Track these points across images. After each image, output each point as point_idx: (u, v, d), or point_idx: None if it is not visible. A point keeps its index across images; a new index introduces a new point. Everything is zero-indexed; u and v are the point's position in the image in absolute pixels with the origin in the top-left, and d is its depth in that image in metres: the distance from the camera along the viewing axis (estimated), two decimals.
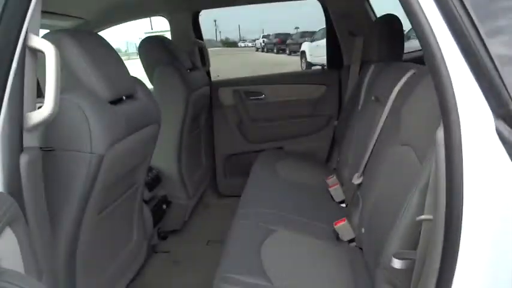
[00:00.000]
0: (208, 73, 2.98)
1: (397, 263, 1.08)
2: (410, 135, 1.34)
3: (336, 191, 2.14)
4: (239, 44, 33.19)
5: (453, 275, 0.84)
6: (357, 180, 1.79)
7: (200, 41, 2.98)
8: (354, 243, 1.70)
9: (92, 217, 1.37)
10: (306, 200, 2.07)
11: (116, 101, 1.44)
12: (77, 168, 1.23)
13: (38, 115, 1.02)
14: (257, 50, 26.24)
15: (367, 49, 2.56)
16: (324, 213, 1.94)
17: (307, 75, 3.02)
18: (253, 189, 2.10)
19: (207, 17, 3.17)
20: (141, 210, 1.89)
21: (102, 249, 1.54)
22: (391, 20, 2.10)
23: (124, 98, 1.54)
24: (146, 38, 2.46)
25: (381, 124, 1.71)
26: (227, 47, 31.10)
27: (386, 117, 1.67)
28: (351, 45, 2.71)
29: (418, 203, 1.11)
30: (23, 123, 1.01)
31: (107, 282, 1.57)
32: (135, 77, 1.66)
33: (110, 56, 1.50)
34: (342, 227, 1.70)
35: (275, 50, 22.29)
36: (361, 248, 1.62)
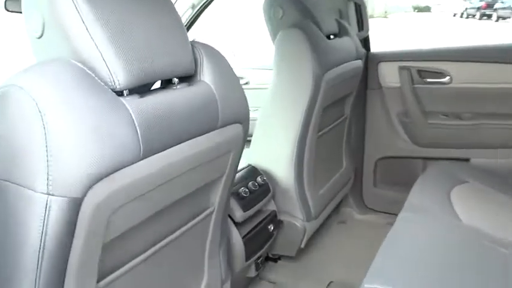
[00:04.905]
0: (366, 40, 2.14)
1: None
2: None
3: None
4: (432, 10, 29.96)
5: None
6: None
7: None
8: None
9: None
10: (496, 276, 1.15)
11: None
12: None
13: None
14: (454, 15, 23.54)
15: None
16: None
17: None
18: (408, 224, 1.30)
19: None
20: (218, 241, 1.28)
21: None
22: None
23: (177, 81, 0.91)
24: None
25: None
26: (418, 11, 28.24)
27: None
28: None
29: None
30: None
31: None
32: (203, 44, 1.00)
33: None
34: None
35: (477, 16, 19.72)
36: None
